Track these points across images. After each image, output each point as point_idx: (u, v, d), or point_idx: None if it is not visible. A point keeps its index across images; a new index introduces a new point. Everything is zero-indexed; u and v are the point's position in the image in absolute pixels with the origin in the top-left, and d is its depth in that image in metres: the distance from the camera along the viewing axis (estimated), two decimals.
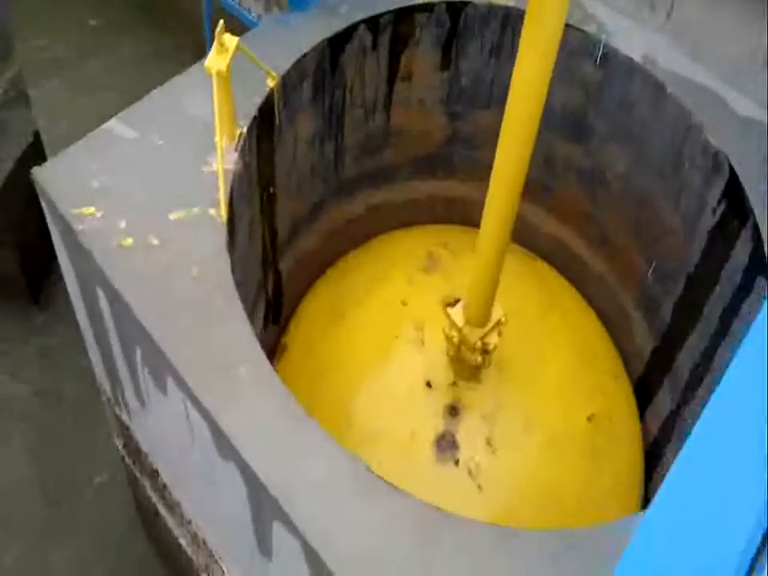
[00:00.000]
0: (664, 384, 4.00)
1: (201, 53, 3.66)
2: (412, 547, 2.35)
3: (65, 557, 5.39)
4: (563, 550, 2.29)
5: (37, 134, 6.01)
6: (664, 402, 3.99)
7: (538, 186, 4.34)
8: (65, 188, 3.09)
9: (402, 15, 3.85)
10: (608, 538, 2.30)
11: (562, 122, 4.07)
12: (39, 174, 3.09)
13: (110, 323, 3.09)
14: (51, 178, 3.11)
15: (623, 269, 4.23)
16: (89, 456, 5.71)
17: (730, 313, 3.44)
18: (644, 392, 4.15)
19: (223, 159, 3.12)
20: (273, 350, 4.05)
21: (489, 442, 3.45)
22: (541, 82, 2.48)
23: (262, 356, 2.68)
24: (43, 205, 3.12)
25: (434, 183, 4.49)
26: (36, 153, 5.91)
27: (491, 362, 3.46)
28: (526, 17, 2.35)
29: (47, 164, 3.15)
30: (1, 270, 6.05)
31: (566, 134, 4.12)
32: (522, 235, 4.44)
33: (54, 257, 3.43)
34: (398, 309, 3.79)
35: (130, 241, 2.99)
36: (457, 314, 3.20)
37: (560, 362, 3.79)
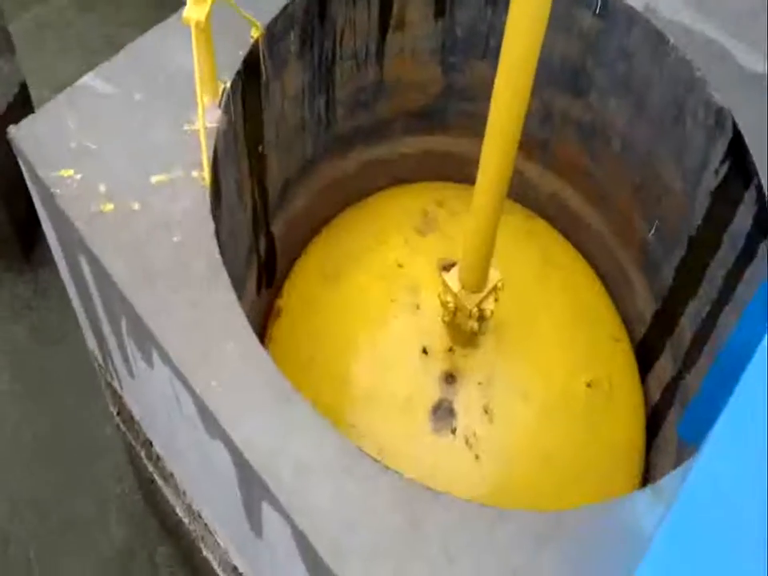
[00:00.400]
0: (666, 348, 3.95)
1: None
2: (397, 527, 2.32)
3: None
4: (552, 532, 2.26)
5: (23, 85, 5.77)
6: (666, 367, 3.95)
7: (535, 142, 4.20)
8: (42, 148, 2.96)
9: None
10: (599, 519, 2.26)
11: (560, 75, 3.92)
12: (15, 133, 2.96)
13: (94, 291, 3.01)
14: (28, 137, 2.98)
15: (623, 228, 4.13)
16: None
17: (733, 278, 3.37)
18: (645, 356, 4.11)
19: (205, 117, 2.98)
20: (267, 313, 3.97)
21: (486, 410, 3.41)
22: (536, 28, 2.35)
23: (248, 329, 2.60)
24: (22, 165, 3.00)
25: (429, 138, 4.34)
26: (23, 107, 5.70)
27: (488, 328, 3.40)
28: None
29: (23, 122, 3.02)
30: None
31: (564, 87, 3.98)
32: (520, 193, 4.31)
33: None
34: (394, 271, 3.70)
35: (110, 206, 2.88)
36: (452, 278, 3.11)
37: (559, 325, 3.72)
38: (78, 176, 2.92)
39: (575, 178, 4.26)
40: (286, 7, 3.45)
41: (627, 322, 4.19)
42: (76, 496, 5.52)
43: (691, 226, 3.67)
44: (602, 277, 4.28)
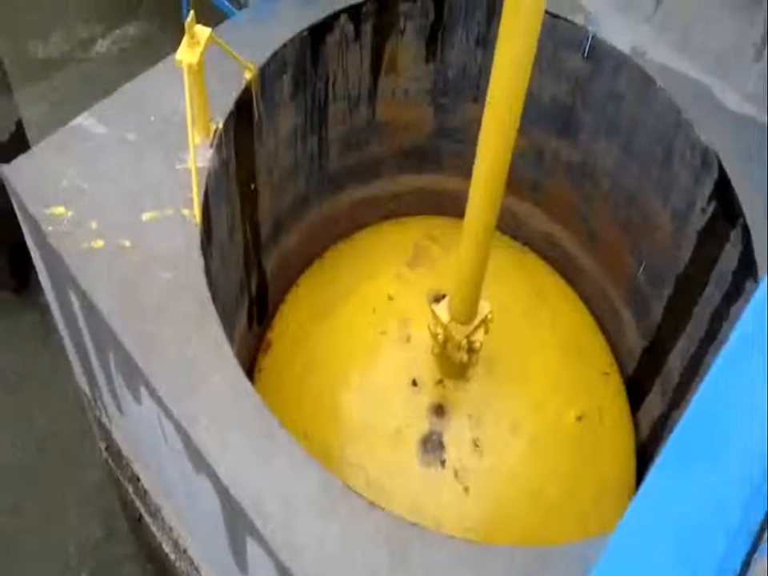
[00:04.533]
0: (655, 385, 4.00)
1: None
2: (383, 563, 2.34)
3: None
4: (536, 569, 2.28)
5: (19, 124, 5.98)
6: (655, 403, 3.99)
7: (526, 181, 4.32)
8: (34, 187, 3.05)
9: (385, 4, 3.80)
10: (583, 557, 2.28)
11: (549, 116, 4.05)
12: (9, 171, 3.06)
13: (83, 326, 3.07)
14: (21, 175, 3.07)
15: (613, 266, 4.22)
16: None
17: (719, 317, 3.43)
18: (635, 392, 4.16)
19: (197, 157, 3.07)
20: (258, 346, 4.03)
21: (476, 444, 3.44)
22: (521, 69, 2.44)
23: (236, 365, 2.65)
24: (14, 202, 3.08)
25: (421, 177, 4.47)
26: (18, 143, 5.87)
27: (478, 360, 3.45)
28: (504, 6, 2.32)
29: (16, 161, 3.11)
30: None
31: (554, 128, 4.10)
32: (511, 229, 4.43)
33: None
34: (385, 304, 3.77)
35: (100, 243, 2.95)
36: (442, 310, 3.18)
37: (549, 358, 3.78)
38: (70, 213, 3.01)
39: (565, 216, 4.37)
40: (278, 51, 3.57)
41: (617, 356, 4.26)
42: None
43: (679, 264, 3.75)
44: (593, 312, 4.36)
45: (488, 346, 3.34)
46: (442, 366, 3.47)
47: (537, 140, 4.12)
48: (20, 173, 3.08)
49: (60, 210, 3.01)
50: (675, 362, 3.81)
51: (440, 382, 3.50)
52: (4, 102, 5.75)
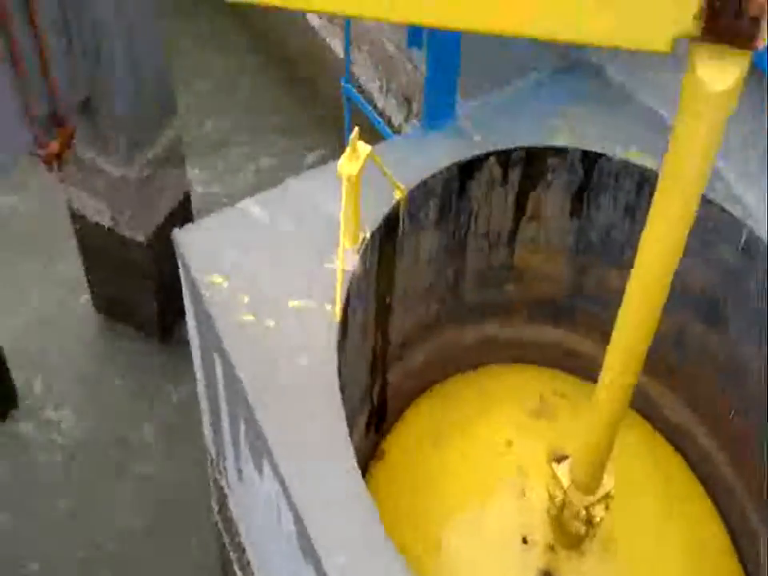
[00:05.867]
0: None
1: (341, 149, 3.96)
2: None
3: None
4: None
5: (187, 195, 7.01)
6: None
7: (664, 364, 4.30)
8: (199, 254, 3.49)
9: (535, 155, 4.15)
10: None
11: (697, 303, 4.11)
12: (179, 236, 3.45)
13: (221, 390, 3.32)
14: (188, 242, 3.50)
15: (753, 477, 4.08)
16: None
17: None
18: None
19: (344, 260, 3.32)
20: (371, 454, 4.20)
21: None
22: (670, 257, 2.52)
23: (354, 464, 2.83)
24: (179, 265, 3.39)
25: (554, 330, 4.67)
26: (185, 211, 6.94)
27: (595, 535, 3.45)
28: (660, 182, 2.42)
29: (186, 229, 3.54)
30: (138, 309, 7.12)
31: (700, 316, 4.14)
32: (644, 411, 4.41)
33: None
34: (502, 448, 3.90)
35: (250, 317, 3.27)
36: (563, 472, 3.26)
37: (671, 556, 3.73)
38: (226, 284, 3.34)
39: (704, 410, 4.32)
40: (428, 179, 3.97)
41: (747, 570, 4.03)
42: None
43: None
44: (726, 519, 4.16)
45: (607, 523, 3.37)
46: (556, 530, 3.50)
47: (680, 323, 4.17)
48: (189, 239, 3.52)
49: (218, 279, 3.36)
50: None
51: (552, 547, 3.52)
52: (179, 174, 6.75)
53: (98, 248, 6.90)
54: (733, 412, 4.08)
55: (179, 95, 6.63)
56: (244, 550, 3.86)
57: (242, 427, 3.17)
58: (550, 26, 1.95)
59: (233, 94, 9.30)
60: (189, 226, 3.59)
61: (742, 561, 4.10)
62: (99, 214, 6.62)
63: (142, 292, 6.94)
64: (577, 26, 1.95)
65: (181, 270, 3.53)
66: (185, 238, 3.48)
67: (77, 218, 6.83)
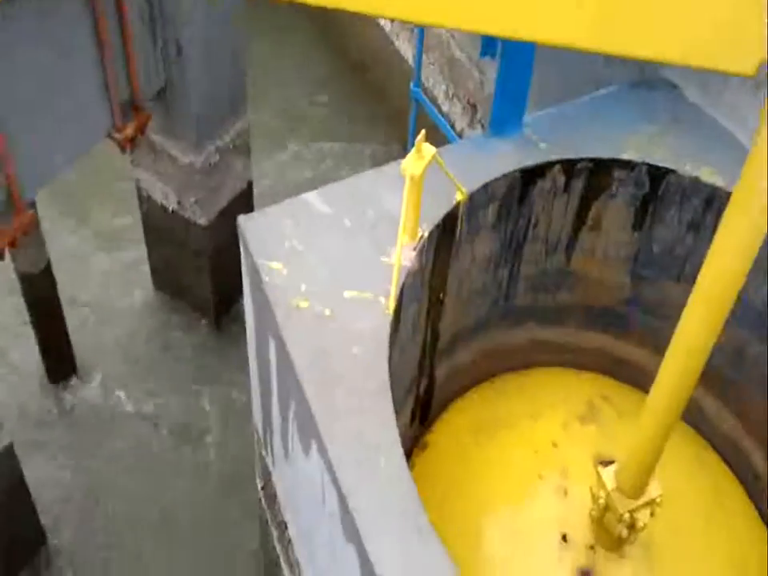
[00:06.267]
0: None
1: (404, 151, 4.06)
2: None
3: None
4: None
5: (250, 184, 7.28)
6: None
7: (719, 377, 4.32)
8: (261, 240, 3.60)
9: (601, 166, 4.18)
10: None
11: (757, 320, 4.09)
12: (243, 222, 3.58)
13: (273, 372, 3.46)
14: (252, 228, 3.64)
15: None
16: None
17: None
18: None
19: (401, 256, 3.42)
20: (414, 444, 4.28)
21: None
22: (736, 273, 2.53)
23: (400, 452, 2.91)
24: (241, 248, 3.54)
25: (606, 338, 4.68)
26: (246, 199, 7.19)
27: (637, 539, 3.46)
28: (731, 201, 2.44)
29: (251, 215, 3.67)
30: (196, 290, 7.46)
31: (760, 333, 4.12)
32: (695, 421, 4.40)
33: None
34: (548, 449, 3.93)
35: (305, 304, 3.38)
36: (608, 475, 3.28)
37: (715, 566, 3.72)
38: (286, 271, 3.45)
39: (756, 426, 4.29)
40: (490, 182, 4.03)
41: None
42: None
43: None
44: None
45: (650, 530, 3.37)
46: (597, 531, 3.53)
47: (739, 339, 4.16)
48: (253, 226, 3.65)
49: (278, 265, 3.48)
50: None
51: (592, 547, 3.54)
52: (243, 163, 7.00)
53: (161, 229, 7.23)
54: None
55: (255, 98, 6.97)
56: (286, 527, 3.99)
57: (292, 409, 3.27)
58: (628, 42, 1.97)
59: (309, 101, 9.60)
60: (253, 213, 3.72)
61: None
62: (165, 196, 6.93)
63: (200, 274, 7.22)
64: (658, 43, 1.95)
65: (243, 254, 3.65)
66: (249, 224, 3.61)
67: (144, 199, 7.16)
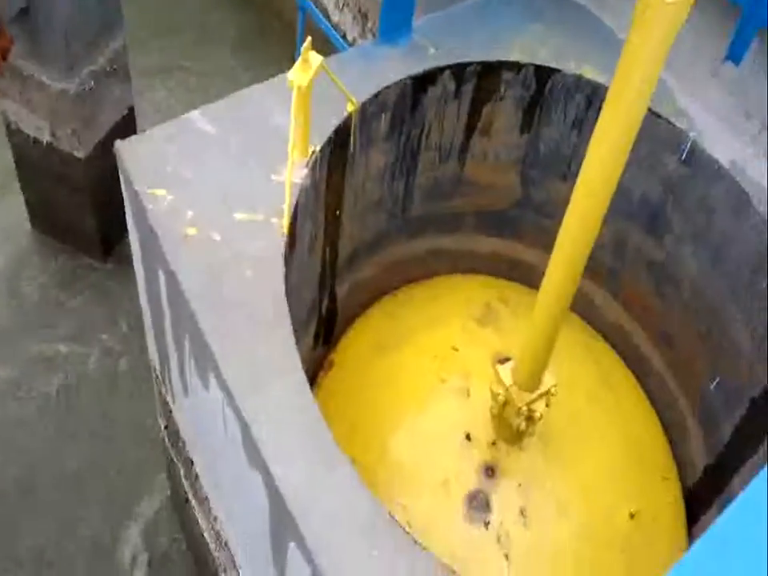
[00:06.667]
0: (715, 504, 4.06)
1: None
2: None
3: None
4: None
5: (131, 109, 6.73)
6: (713, 522, 4.00)
7: (605, 270, 4.54)
8: (142, 166, 3.40)
9: (489, 69, 4.16)
10: None
11: (638, 211, 4.29)
12: (121, 147, 3.38)
13: (166, 305, 3.34)
14: (131, 154, 3.43)
15: (685, 374, 4.37)
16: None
17: None
18: (694, 505, 4.20)
19: (293, 172, 3.32)
20: (319, 364, 4.28)
21: (522, 514, 3.58)
22: (616, 160, 2.63)
23: (301, 374, 2.88)
24: (121, 177, 3.35)
25: (499, 241, 4.77)
26: (128, 126, 6.67)
27: (535, 430, 3.63)
28: (609, 94, 2.53)
29: (129, 140, 3.47)
30: (78, 228, 6.97)
31: (641, 224, 4.33)
32: (586, 314, 4.61)
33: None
34: (449, 353, 4.00)
35: (193, 231, 3.23)
36: (505, 372, 3.40)
37: (608, 449, 3.95)
38: (170, 197, 3.31)
39: (641, 313, 4.56)
40: (381, 91, 3.94)
41: (679, 464, 4.35)
42: None
43: (755, 387, 3.85)
44: (659, 414, 4.50)
45: (547, 420, 3.54)
46: (498, 427, 3.67)
47: (621, 231, 4.36)
48: (131, 151, 3.44)
49: (162, 192, 3.32)
50: (738, 486, 3.86)
51: (494, 443, 3.69)
52: (123, 88, 6.52)
53: (35, 164, 6.64)
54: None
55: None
56: (192, 463, 3.95)
57: (187, 342, 3.15)
58: None
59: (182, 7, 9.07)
60: (131, 137, 3.47)
61: (674, 450, 4.36)
62: (38, 129, 6.35)
63: (82, 210, 6.76)
64: None
65: (122, 183, 3.43)
66: (127, 150, 3.38)
67: (13, 132, 6.53)
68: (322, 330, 4.21)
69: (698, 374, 4.26)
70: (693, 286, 4.21)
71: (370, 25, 7.21)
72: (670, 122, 3.95)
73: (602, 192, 2.72)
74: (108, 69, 6.21)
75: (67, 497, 6.06)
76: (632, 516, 3.78)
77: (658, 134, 3.98)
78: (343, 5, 7.60)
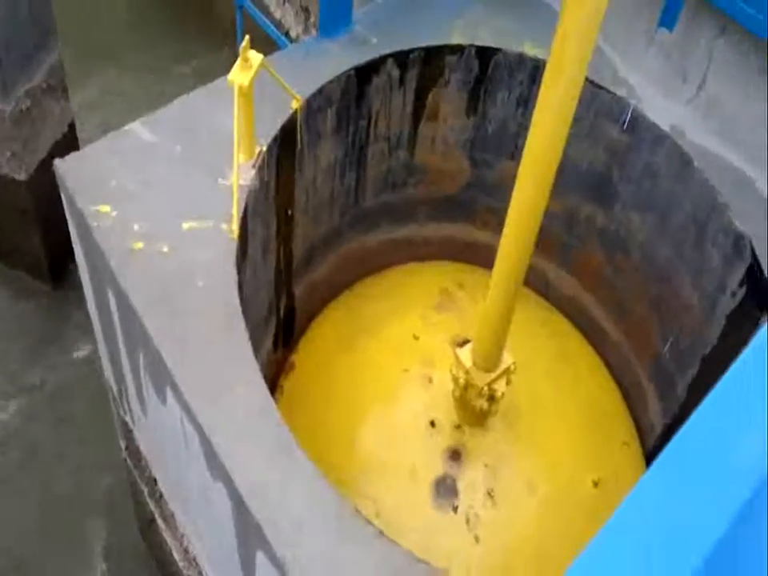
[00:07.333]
0: None
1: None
2: None
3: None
4: None
5: (72, 126, 6.59)
6: None
7: (557, 243, 4.61)
8: (84, 183, 3.35)
9: (432, 54, 4.16)
10: None
11: (585, 182, 4.35)
12: (61, 166, 3.33)
13: (117, 323, 3.31)
14: (72, 171, 3.37)
15: (639, 340, 4.46)
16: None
17: None
18: None
19: (239, 174, 3.32)
20: (281, 367, 4.27)
21: (490, 494, 3.63)
22: (558, 131, 2.68)
23: (260, 379, 2.87)
24: (63, 197, 3.33)
25: (453, 225, 4.79)
26: (69, 143, 6.49)
27: (498, 410, 3.67)
28: (546, 69, 2.57)
29: (69, 157, 3.41)
30: (26, 252, 6.80)
31: (589, 195, 4.40)
32: (540, 289, 4.68)
33: None
34: (409, 342, 4.03)
35: (140, 245, 3.20)
36: (465, 354, 3.42)
37: (568, 421, 4.01)
38: (114, 213, 3.27)
39: (594, 283, 4.64)
40: (325, 85, 3.92)
41: (639, 429, 4.45)
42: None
43: (706, 346, 3.97)
44: (617, 381, 4.59)
45: (508, 399, 3.58)
46: (461, 411, 3.70)
47: (571, 204, 4.42)
48: (72, 169, 3.38)
49: (106, 208, 3.28)
50: None
51: (458, 427, 3.72)
52: (61, 104, 6.36)
53: None
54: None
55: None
56: (155, 482, 3.95)
57: (141, 359, 3.11)
58: None
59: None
60: (71, 154, 3.41)
61: (634, 416, 4.47)
62: None
63: (28, 235, 6.59)
64: None
65: (65, 202, 3.37)
66: (67, 168, 3.33)
67: None
68: (281, 331, 4.21)
69: (651, 339, 4.34)
70: (642, 252, 4.27)
71: (312, 20, 7.19)
72: (609, 92, 4.00)
73: (548, 162, 2.74)
74: (45, 86, 6.03)
75: None
76: (595, 484, 3.85)
77: (599, 103, 4.03)
78: (284, 0, 7.57)
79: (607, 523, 1.35)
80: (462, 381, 3.46)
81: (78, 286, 3.80)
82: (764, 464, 1.36)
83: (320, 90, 3.91)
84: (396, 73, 4.19)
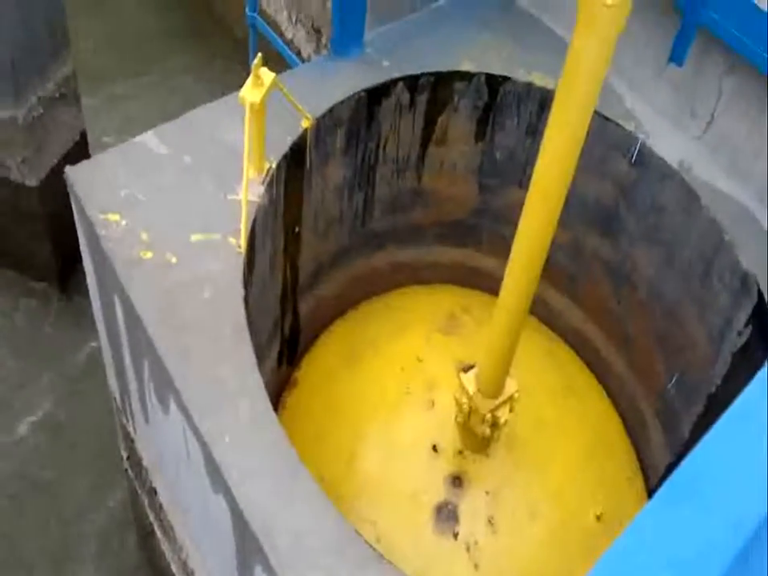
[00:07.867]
0: None
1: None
2: None
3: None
4: None
5: (83, 134, 6.68)
6: None
7: (563, 274, 4.61)
8: (94, 191, 3.37)
9: (442, 80, 4.21)
10: None
11: (592, 215, 4.36)
12: (72, 173, 3.35)
13: (123, 332, 3.30)
14: (83, 179, 3.38)
15: (644, 374, 4.43)
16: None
17: None
18: None
19: (248, 190, 3.35)
20: (284, 383, 4.26)
21: (491, 522, 3.61)
22: (566, 162, 2.70)
23: (263, 393, 2.86)
24: (73, 204, 3.35)
25: (460, 251, 4.80)
26: (80, 151, 6.57)
27: (500, 437, 3.66)
28: (555, 99, 2.60)
29: (80, 165, 3.43)
30: (36, 257, 6.85)
31: (596, 228, 4.40)
32: (546, 319, 4.67)
33: None
34: (413, 364, 4.03)
35: (149, 254, 3.22)
36: (469, 380, 3.42)
37: (573, 451, 3.99)
38: (124, 222, 3.28)
39: (599, 315, 4.63)
40: (335, 106, 3.95)
41: (642, 464, 4.41)
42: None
43: (711, 384, 3.93)
44: (621, 414, 4.56)
45: (512, 426, 3.57)
46: (464, 436, 3.68)
47: (577, 235, 4.43)
48: (82, 176, 3.40)
49: (115, 217, 3.29)
50: None
51: (460, 452, 3.71)
52: (73, 112, 6.43)
53: None
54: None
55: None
56: (156, 492, 3.92)
57: (146, 368, 3.10)
58: None
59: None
60: (82, 162, 3.44)
61: (637, 451, 4.44)
62: None
63: (38, 240, 6.65)
64: None
65: (75, 210, 3.38)
66: (78, 175, 3.34)
67: None
68: (286, 348, 4.20)
69: (657, 374, 4.31)
70: (649, 286, 4.27)
71: (324, 40, 7.28)
72: (618, 125, 4.03)
73: (555, 193, 2.76)
74: (57, 94, 6.12)
75: None
76: (598, 518, 3.83)
77: (607, 137, 4.05)
78: (296, 20, 7.66)
79: (606, 552, 1.37)
80: (465, 406, 3.45)
81: (87, 292, 3.82)
82: (764, 504, 1.38)
83: (330, 110, 3.95)
84: (406, 96, 4.24)
